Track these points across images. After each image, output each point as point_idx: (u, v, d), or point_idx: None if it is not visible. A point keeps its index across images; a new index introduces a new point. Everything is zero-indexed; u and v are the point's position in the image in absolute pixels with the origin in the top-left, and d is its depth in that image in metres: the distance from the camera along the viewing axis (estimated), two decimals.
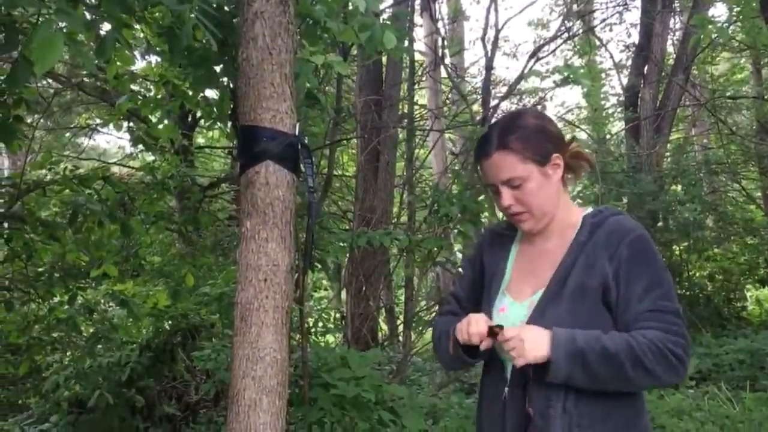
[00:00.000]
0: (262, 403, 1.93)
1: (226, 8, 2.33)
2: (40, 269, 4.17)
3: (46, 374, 5.33)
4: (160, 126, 3.98)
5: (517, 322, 1.68)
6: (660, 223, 10.52)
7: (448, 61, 9.63)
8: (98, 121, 11.19)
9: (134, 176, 4.80)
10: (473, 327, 1.67)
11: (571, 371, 1.56)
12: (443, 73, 10.29)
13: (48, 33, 1.68)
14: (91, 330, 5.23)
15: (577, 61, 13.49)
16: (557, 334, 1.58)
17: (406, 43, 5.48)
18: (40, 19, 2.10)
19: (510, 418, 1.69)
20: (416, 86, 9.56)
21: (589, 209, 1.78)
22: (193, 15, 1.98)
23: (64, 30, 1.74)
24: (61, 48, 1.68)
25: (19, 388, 5.89)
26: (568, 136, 1.85)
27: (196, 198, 5.06)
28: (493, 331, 1.65)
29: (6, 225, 3.91)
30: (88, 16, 2.12)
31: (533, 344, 1.57)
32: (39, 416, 5.54)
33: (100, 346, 5.29)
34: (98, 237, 4.08)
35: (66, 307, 4.34)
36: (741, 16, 7.20)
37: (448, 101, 10.49)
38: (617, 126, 13.18)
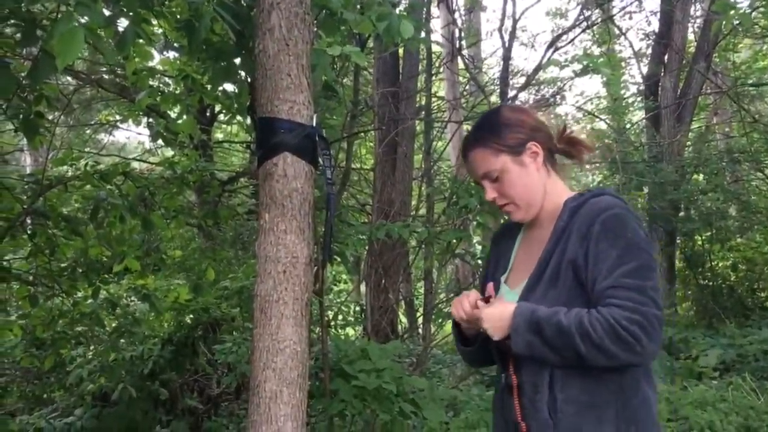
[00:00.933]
0: (282, 394, 1.93)
1: (242, 1, 2.32)
2: (63, 264, 4.21)
3: (69, 368, 5.40)
4: (180, 121, 4.00)
5: None
6: (682, 213, 10.41)
7: (465, 52, 9.59)
8: (118, 117, 11.29)
9: (154, 171, 4.83)
10: (463, 299, 1.76)
11: (531, 341, 1.60)
12: (460, 65, 10.25)
13: (69, 27, 1.69)
14: (114, 324, 5.28)
15: (596, 51, 13.35)
16: (520, 305, 1.64)
17: (423, 34, 5.45)
18: (59, 14, 2.11)
19: (508, 406, 1.74)
20: (434, 78, 9.52)
21: (574, 193, 1.80)
22: (210, 7, 1.98)
23: (85, 24, 1.75)
24: (82, 42, 1.69)
25: (44, 382, 5.97)
26: (562, 125, 1.89)
27: (215, 192, 5.09)
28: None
29: (29, 221, 3.95)
30: (106, 12, 2.13)
31: (498, 317, 1.65)
32: (63, 410, 5.62)
33: (123, 340, 5.34)
34: (120, 232, 4.12)
35: (89, 301, 4.38)
36: (764, 2, 7.08)
37: (465, 92, 10.43)
38: (638, 115, 13.04)
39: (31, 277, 4.15)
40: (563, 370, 1.63)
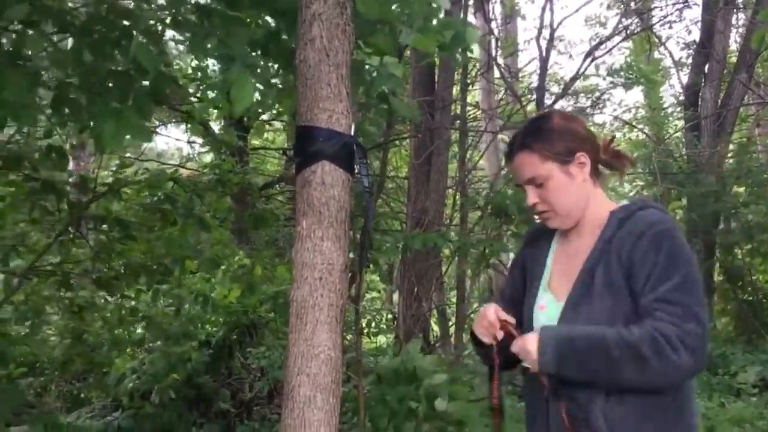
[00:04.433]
0: (316, 400, 1.95)
1: None
2: (118, 268, 4.29)
3: (106, 369, 5.50)
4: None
5: (554, 320, 1.71)
6: (721, 225, 10.22)
7: (501, 61, 9.57)
8: (156, 123, 11.47)
9: (195, 177, 4.93)
10: (483, 319, 1.77)
11: (560, 358, 1.59)
12: (497, 74, 10.23)
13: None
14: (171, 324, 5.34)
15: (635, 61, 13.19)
16: (546, 327, 1.67)
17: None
18: None
19: (553, 417, 1.70)
20: (470, 87, 9.52)
21: (620, 204, 1.78)
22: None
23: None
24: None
25: (83, 384, 6.10)
26: (608, 136, 1.91)
27: (256, 196, 5.21)
28: (506, 327, 1.74)
29: (85, 225, 4.04)
30: None
31: (529, 345, 1.64)
32: (100, 410, 5.72)
33: (159, 342, 5.42)
34: (171, 235, 4.19)
35: (134, 303, 4.48)
36: None
37: (502, 101, 10.41)
38: (677, 125, 12.86)
39: (80, 281, 4.25)
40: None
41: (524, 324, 1.81)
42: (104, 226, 3.87)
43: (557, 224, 1.80)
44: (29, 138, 3.60)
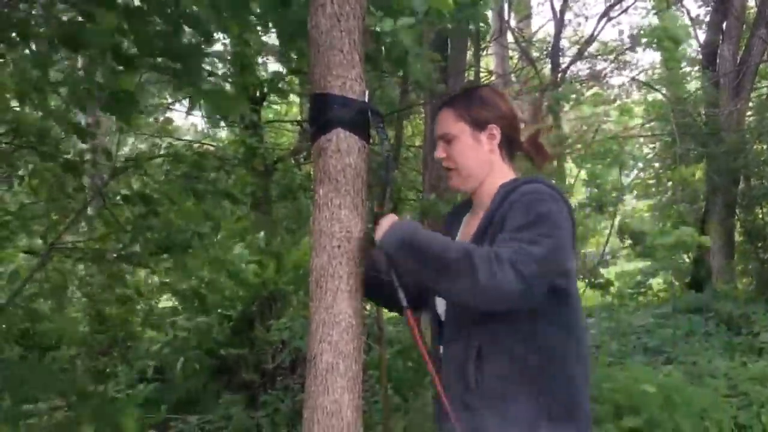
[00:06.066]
0: (338, 367, 1.96)
1: None
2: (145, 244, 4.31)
3: (131, 343, 5.58)
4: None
5: None
6: (742, 184, 10.11)
7: (513, 23, 9.44)
8: (169, 99, 11.46)
9: (216, 153, 4.94)
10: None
11: (401, 243, 1.71)
12: (510, 38, 10.10)
13: None
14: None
15: (651, 20, 12.94)
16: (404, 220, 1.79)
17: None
18: None
19: (442, 371, 1.85)
20: (483, 53, 9.41)
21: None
22: None
23: None
24: None
25: (108, 358, 6.19)
26: (535, 132, 1.97)
27: (289, 167, 5.23)
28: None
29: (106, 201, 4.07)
30: None
31: (384, 223, 1.79)
32: (126, 383, 5.82)
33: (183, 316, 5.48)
34: (192, 209, 4.22)
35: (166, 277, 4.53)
36: None
37: (516, 66, 10.29)
38: (695, 84, 12.64)
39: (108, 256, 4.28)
40: (490, 345, 1.70)
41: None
42: (123, 200, 3.89)
43: (458, 183, 1.92)
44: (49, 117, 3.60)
